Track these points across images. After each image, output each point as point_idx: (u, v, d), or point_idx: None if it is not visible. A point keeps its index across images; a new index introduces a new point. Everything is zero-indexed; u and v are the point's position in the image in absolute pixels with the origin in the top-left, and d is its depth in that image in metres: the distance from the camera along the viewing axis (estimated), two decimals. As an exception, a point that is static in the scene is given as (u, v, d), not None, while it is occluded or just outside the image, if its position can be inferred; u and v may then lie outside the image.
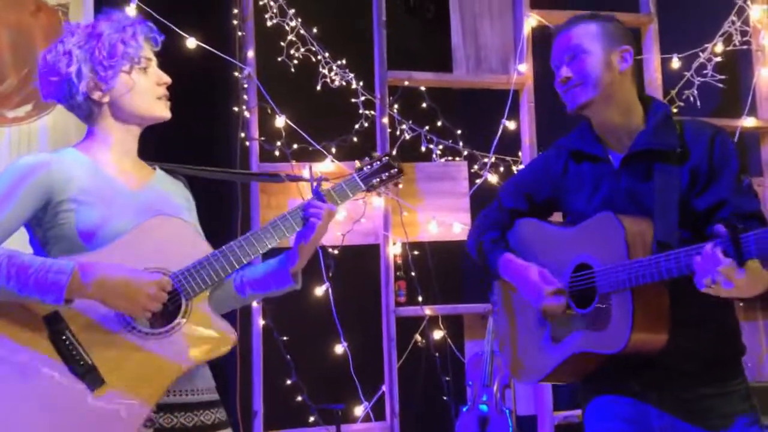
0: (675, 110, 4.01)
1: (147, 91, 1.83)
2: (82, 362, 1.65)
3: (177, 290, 1.73)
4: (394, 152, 3.79)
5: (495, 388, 3.49)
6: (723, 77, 4.00)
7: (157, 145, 2.08)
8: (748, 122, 4.02)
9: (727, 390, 1.87)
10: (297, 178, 2.13)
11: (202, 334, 1.74)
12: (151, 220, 1.77)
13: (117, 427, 1.64)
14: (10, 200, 1.71)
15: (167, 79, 1.87)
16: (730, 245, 1.57)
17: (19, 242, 1.76)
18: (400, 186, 3.75)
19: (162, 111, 1.86)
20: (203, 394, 1.82)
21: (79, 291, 1.63)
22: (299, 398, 3.70)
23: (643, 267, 1.74)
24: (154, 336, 1.71)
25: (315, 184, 1.87)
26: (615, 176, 1.95)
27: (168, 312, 1.73)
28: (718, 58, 4.02)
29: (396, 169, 1.99)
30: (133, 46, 1.81)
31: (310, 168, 2.04)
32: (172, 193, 1.92)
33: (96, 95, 1.80)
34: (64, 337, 1.66)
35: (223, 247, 1.79)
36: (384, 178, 1.98)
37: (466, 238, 2.24)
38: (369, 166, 1.96)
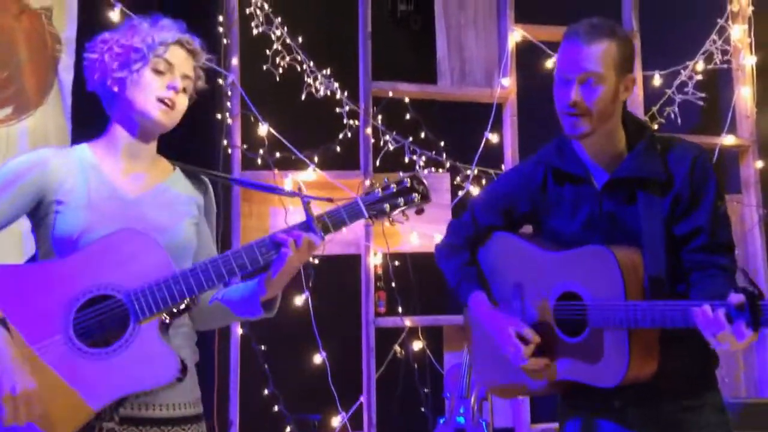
0: (656, 127, 4.05)
1: (149, 89, 1.77)
2: None
3: (127, 309, 1.63)
4: (376, 163, 3.79)
5: (472, 400, 3.49)
6: (703, 95, 4.04)
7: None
8: (728, 140, 4.07)
9: (706, 402, 1.91)
10: (313, 198, 1.75)
11: (144, 361, 1.62)
12: (119, 233, 1.68)
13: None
14: (2, 198, 1.71)
15: (177, 86, 1.79)
16: (750, 316, 1.61)
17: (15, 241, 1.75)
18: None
19: (154, 110, 1.76)
20: (180, 409, 1.74)
21: None
22: (276, 408, 3.67)
23: (644, 312, 1.75)
24: (90, 355, 1.62)
25: (305, 209, 1.66)
26: (596, 198, 1.94)
27: (113, 331, 1.64)
28: (699, 76, 4.07)
29: (417, 194, 1.67)
30: (148, 44, 1.78)
31: (299, 187, 1.85)
32: (182, 200, 1.84)
33: (108, 83, 1.79)
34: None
35: (186, 268, 1.68)
36: (399, 203, 1.69)
37: (437, 247, 2.17)
38: (380, 190, 1.69)
